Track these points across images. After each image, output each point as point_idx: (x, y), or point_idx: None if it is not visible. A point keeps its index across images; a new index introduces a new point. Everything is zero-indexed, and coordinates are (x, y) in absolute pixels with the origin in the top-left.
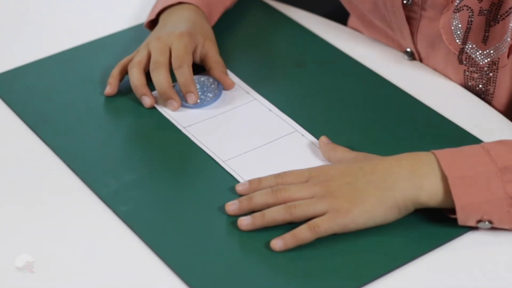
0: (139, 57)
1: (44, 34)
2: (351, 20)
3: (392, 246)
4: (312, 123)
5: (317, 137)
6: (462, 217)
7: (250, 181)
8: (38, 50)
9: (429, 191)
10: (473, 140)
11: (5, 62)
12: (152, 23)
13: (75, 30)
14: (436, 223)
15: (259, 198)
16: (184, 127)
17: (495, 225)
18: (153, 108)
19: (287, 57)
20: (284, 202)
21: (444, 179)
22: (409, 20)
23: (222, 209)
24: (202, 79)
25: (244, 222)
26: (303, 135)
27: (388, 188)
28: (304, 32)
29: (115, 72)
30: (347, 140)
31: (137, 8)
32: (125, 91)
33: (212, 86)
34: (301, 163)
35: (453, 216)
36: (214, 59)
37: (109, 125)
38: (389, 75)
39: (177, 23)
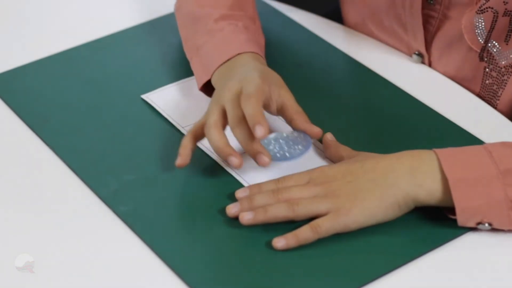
0: (214, 116)
1: (44, 34)
2: (353, 15)
3: (392, 246)
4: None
5: (319, 138)
6: (462, 219)
7: (250, 187)
8: (38, 50)
9: (428, 190)
10: (475, 141)
11: (5, 62)
12: (207, 85)
13: (75, 30)
14: (436, 223)
15: (260, 200)
16: (183, 127)
17: (495, 227)
18: (153, 108)
19: (287, 57)
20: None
21: (444, 179)
22: (427, 19)
23: (222, 208)
24: (285, 134)
25: (246, 217)
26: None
27: (388, 185)
28: (304, 32)
29: (186, 141)
30: (347, 140)
31: (137, 8)
32: (125, 91)
33: (299, 138)
34: (301, 162)
35: (453, 217)
36: (294, 108)
37: (109, 125)
38: (390, 75)
39: (245, 72)
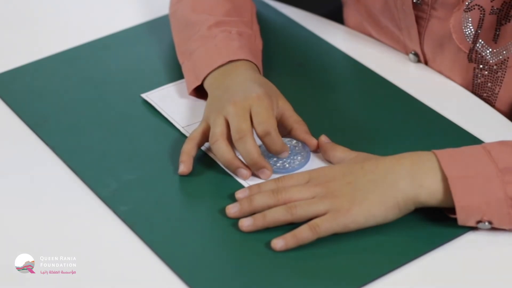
0: (219, 127)
1: (44, 34)
2: (353, 18)
3: (392, 246)
4: (311, 123)
5: (317, 137)
6: (462, 218)
7: (250, 188)
8: (38, 50)
9: (429, 190)
10: (474, 141)
11: (5, 62)
12: (197, 89)
13: (75, 30)
14: (436, 223)
15: (259, 200)
16: (183, 127)
17: (495, 226)
18: (153, 107)
19: (287, 57)
20: (284, 203)
21: (444, 179)
22: (417, 20)
23: (222, 208)
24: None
25: (245, 223)
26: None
27: (388, 187)
28: (304, 32)
29: (188, 148)
30: (347, 140)
31: (137, 8)
32: (125, 90)
33: (297, 148)
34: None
35: (453, 216)
36: (293, 118)
37: (109, 125)
38: (389, 75)
39: (245, 84)
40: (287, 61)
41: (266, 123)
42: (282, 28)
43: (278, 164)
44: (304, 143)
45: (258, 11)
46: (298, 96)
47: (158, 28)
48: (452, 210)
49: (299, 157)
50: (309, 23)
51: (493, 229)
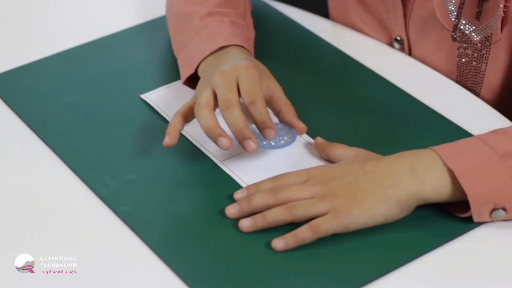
0: (205, 97)
1: (44, 34)
2: (338, 6)
3: (392, 245)
4: (311, 123)
5: (315, 137)
6: (476, 209)
7: (248, 188)
8: (38, 50)
9: (432, 186)
10: (463, 133)
11: (5, 62)
12: (191, 79)
13: (75, 30)
14: (436, 222)
15: (259, 200)
16: None
17: (509, 215)
18: (152, 108)
19: (287, 57)
20: (284, 203)
21: (448, 172)
22: (404, 2)
23: (221, 209)
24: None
25: (246, 224)
26: (301, 135)
27: (389, 186)
28: (304, 32)
29: (175, 121)
30: (347, 140)
31: (137, 8)
32: (124, 91)
33: (283, 130)
34: (299, 163)
35: (462, 215)
36: (282, 101)
37: (109, 125)
38: (389, 75)
39: (235, 60)
40: (287, 61)
41: (253, 92)
42: (282, 28)
43: (265, 142)
44: (290, 126)
45: (258, 11)
46: (298, 96)
47: (158, 28)
48: (460, 208)
49: (285, 137)
50: (309, 23)
51: (494, 228)
